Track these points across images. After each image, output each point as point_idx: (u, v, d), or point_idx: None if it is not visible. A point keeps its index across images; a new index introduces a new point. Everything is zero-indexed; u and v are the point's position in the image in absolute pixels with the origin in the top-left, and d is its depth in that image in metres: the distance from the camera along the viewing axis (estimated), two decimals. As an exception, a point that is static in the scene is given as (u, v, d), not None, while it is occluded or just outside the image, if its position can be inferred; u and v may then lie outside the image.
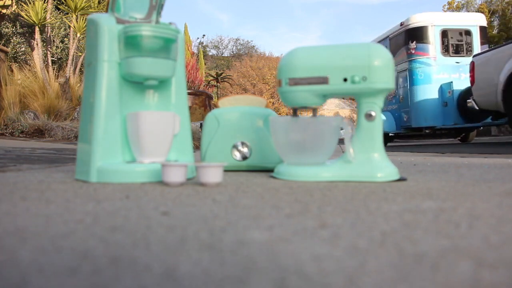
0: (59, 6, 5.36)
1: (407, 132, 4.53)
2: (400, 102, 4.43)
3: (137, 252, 0.24)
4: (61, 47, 7.19)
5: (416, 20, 4.18)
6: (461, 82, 3.99)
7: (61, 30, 7.31)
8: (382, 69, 0.65)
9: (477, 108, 3.11)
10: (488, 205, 0.42)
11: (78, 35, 4.88)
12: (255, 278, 0.20)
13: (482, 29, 4.26)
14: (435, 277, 0.20)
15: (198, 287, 0.19)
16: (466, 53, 4.15)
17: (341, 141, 0.76)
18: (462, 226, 0.32)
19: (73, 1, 4.71)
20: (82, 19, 4.93)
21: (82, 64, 5.00)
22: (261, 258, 0.23)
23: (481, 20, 4.31)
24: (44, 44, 5.19)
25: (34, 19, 4.60)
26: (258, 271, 0.21)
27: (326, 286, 0.19)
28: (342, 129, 0.70)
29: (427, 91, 4.09)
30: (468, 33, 4.21)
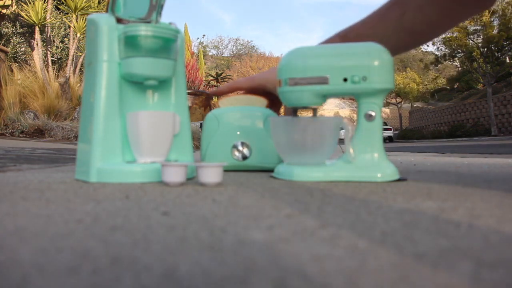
0: (59, 6, 5.36)
1: None
2: None
3: (137, 252, 0.24)
4: (61, 47, 7.18)
5: None
6: None
7: (61, 30, 7.30)
8: (382, 69, 0.65)
9: None
10: (488, 205, 0.42)
11: (78, 35, 4.88)
12: (255, 278, 0.20)
13: None
14: (435, 277, 0.20)
15: (198, 287, 0.19)
16: None
17: (341, 141, 0.76)
18: (462, 226, 0.32)
19: (73, 1, 4.71)
20: (82, 19, 4.93)
21: (82, 64, 5.00)
22: (261, 258, 0.23)
23: None
24: (44, 44, 5.19)
25: (34, 19, 4.60)
26: (258, 271, 0.21)
27: (326, 286, 0.19)
28: (342, 129, 0.70)
29: None
30: None
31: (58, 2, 5.43)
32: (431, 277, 0.20)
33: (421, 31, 0.84)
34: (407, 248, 0.26)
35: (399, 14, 0.81)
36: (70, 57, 4.74)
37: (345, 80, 0.65)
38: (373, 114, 0.67)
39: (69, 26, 5.05)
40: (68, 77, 4.58)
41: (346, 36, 0.83)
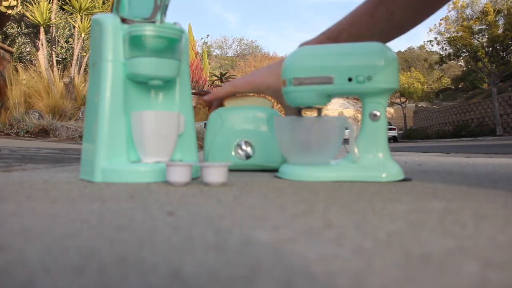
0: (63, 7, 5.39)
1: None
2: None
3: (143, 252, 0.24)
4: (65, 47, 7.21)
5: None
6: None
7: (66, 30, 7.34)
8: (387, 69, 0.65)
9: None
10: (494, 205, 0.42)
11: (83, 35, 4.89)
12: (261, 278, 0.20)
13: None
14: (441, 278, 0.20)
15: (204, 287, 0.19)
16: None
17: (346, 141, 0.76)
18: (468, 226, 0.32)
19: (77, 2, 4.73)
20: (87, 19, 4.94)
21: (86, 64, 5.02)
22: (267, 259, 0.23)
23: None
24: (49, 44, 5.21)
25: (39, 20, 4.62)
26: (264, 271, 0.21)
27: (332, 286, 0.19)
28: (347, 128, 0.69)
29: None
30: None
31: (63, 3, 5.46)
32: (437, 278, 0.20)
33: (407, 25, 0.89)
34: (413, 248, 0.26)
35: (388, 13, 0.83)
36: (75, 57, 4.76)
37: (350, 80, 0.65)
38: (378, 114, 0.67)
39: (74, 27, 5.07)
40: (72, 77, 4.60)
41: (338, 37, 0.84)
